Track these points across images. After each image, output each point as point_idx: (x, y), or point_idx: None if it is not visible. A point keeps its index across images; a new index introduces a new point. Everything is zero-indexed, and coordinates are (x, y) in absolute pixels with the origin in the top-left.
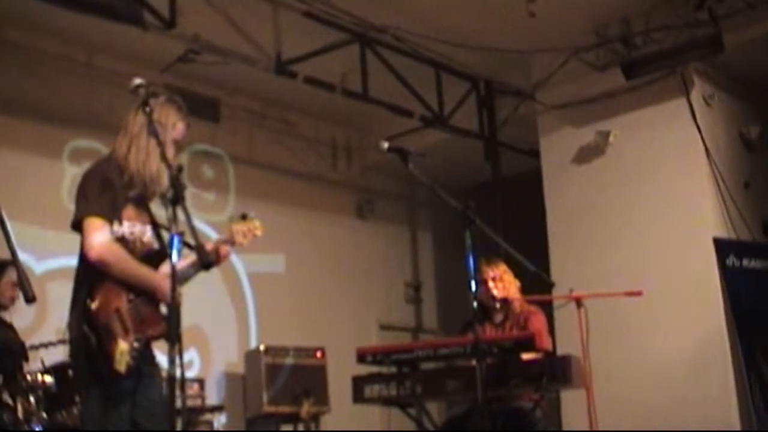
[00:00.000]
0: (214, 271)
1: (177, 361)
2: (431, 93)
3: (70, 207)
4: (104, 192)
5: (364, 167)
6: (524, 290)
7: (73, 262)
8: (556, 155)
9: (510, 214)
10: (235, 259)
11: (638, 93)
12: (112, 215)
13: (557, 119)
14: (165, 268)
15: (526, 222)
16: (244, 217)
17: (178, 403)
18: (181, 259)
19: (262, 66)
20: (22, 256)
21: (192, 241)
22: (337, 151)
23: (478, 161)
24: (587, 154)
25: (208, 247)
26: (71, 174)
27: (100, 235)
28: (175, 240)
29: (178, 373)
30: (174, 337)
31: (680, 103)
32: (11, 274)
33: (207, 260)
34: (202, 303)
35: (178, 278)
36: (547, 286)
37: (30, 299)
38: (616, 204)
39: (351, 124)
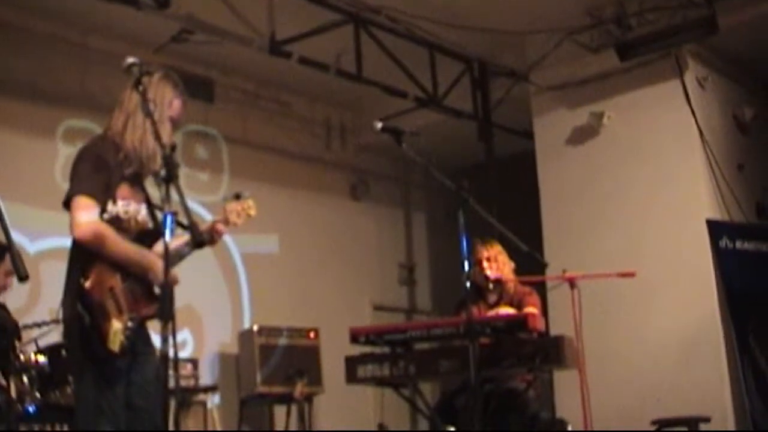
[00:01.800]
0: (208, 252)
1: (170, 340)
2: (425, 74)
3: (64, 187)
4: (97, 171)
5: (359, 148)
6: (518, 271)
7: (66, 242)
8: (550, 136)
9: (503, 196)
10: (229, 240)
11: (632, 74)
12: (104, 195)
13: (551, 100)
14: (159, 247)
15: (520, 203)
16: (237, 197)
17: (172, 383)
18: (174, 238)
19: (257, 46)
20: (16, 236)
21: (185, 220)
22: (331, 131)
23: (472, 142)
24: (581, 136)
25: (203, 227)
26: (65, 154)
27: (86, 215)
28: (168, 219)
29: (171, 352)
30: (167, 317)
31: (674, 85)
32: (8, 263)
33: (200, 239)
34: (195, 283)
35: (172, 257)
36: (541, 267)
37: (23, 278)
38: (609, 185)
39: (345, 105)
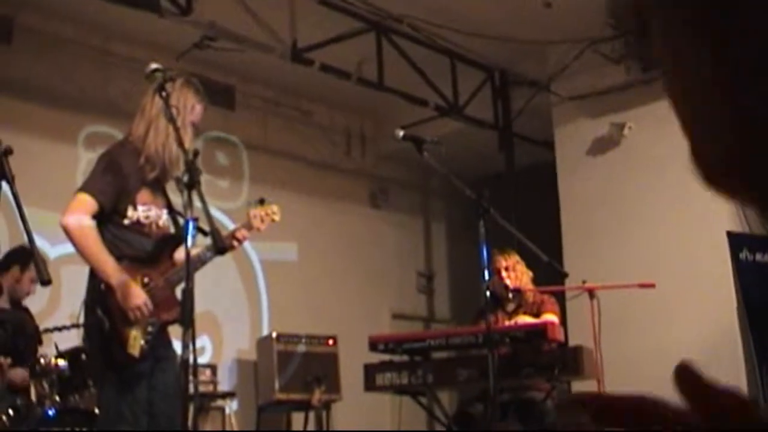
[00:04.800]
0: (228, 258)
1: (190, 346)
2: (446, 83)
3: None
4: (106, 174)
5: (378, 156)
6: (537, 282)
7: None
8: (571, 147)
9: (523, 206)
10: (248, 247)
11: (654, 86)
12: (111, 197)
13: (572, 110)
14: (180, 252)
15: (539, 213)
16: (261, 202)
17: (191, 388)
18: (195, 244)
19: (278, 53)
20: (37, 241)
21: (206, 226)
22: (351, 139)
23: (492, 152)
24: (602, 146)
25: (224, 233)
26: (86, 159)
27: (80, 209)
28: (190, 225)
29: (191, 358)
30: (188, 322)
31: None
32: (33, 269)
33: (221, 245)
34: (214, 289)
35: (193, 263)
36: (560, 277)
37: (45, 282)
38: (629, 196)
39: (365, 113)
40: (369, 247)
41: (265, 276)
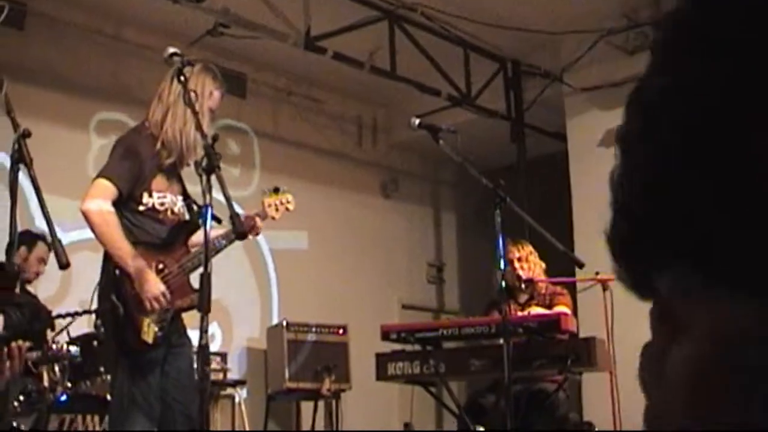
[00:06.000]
0: (238, 247)
1: (205, 332)
2: (459, 73)
3: None
4: (124, 159)
5: (390, 146)
6: (549, 273)
7: None
8: (583, 138)
9: (534, 197)
10: (260, 235)
11: None
12: (129, 183)
13: (585, 102)
14: (196, 238)
15: (550, 205)
16: (276, 191)
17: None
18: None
19: (291, 41)
20: (47, 228)
21: (223, 212)
22: (362, 129)
23: (504, 143)
24: (614, 138)
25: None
26: (98, 146)
27: (101, 195)
28: (208, 211)
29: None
30: (205, 308)
31: None
32: (39, 250)
33: (241, 229)
34: (225, 277)
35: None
36: (572, 268)
37: (64, 265)
38: None
39: (377, 103)
40: (379, 237)
41: (275, 264)
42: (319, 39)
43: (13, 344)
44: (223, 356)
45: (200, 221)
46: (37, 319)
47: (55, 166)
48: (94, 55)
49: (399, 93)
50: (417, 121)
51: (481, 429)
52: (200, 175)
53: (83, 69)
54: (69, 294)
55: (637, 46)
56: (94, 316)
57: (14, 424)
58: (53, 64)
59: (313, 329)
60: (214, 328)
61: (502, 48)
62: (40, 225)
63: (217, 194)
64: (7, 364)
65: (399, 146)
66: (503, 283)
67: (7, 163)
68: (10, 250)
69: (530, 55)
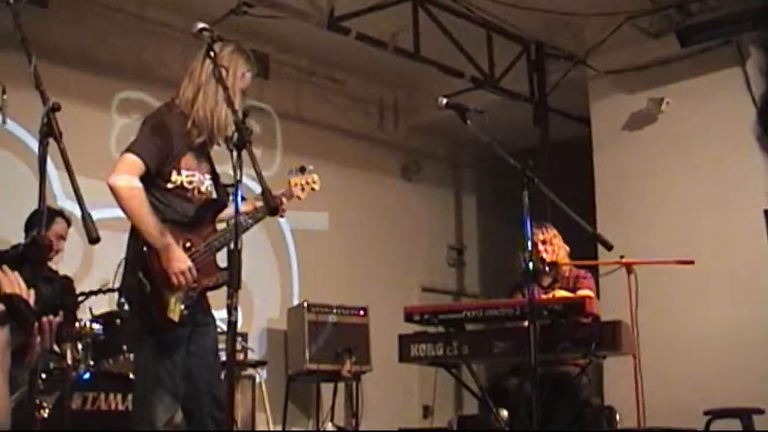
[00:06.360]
0: (259, 227)
1: (234, 309)
2: (482, 55)
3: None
4: (154, 135)
5: (411, 128)
6: (573, 257)
7: (119, 212)
8: (607, 122)
9: (557, 180)
10: (284, 216)
11: (692, 61)
12: (157, 159)
13: (609, 85)
14: (225, 214)
15: (573, 189)
16: (302, 170)
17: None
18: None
19: (315, 21)
20: (70, 206)
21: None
22: (384, 110)
23: (527, 126)
24: (639, 121)
25: (259, 203)
26: (120, 125)
27: (129, 170)
28: (239, 189)
29: (225, 326)
30: (236, 285)
31: (735, 73)
32: (58, 226)
33: (273, 204)
34: (245, 258)
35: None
36: (594, 253)
37: (93, 240)
38: (666, 172)
39: (399, 84)
40: (400, 219)
41: (296, 245)
42: (343, 19)
43: (44, 319)
44: (243, 336)
45: (230, 198)
46: (68, 295)
47: (76, 145)
48: (117, 34)
49: (421, 75)
50: (444, 101)
51: (504, 412)
52: (231, 151)
53: (106, 48)
54: (91, 272)
55: (661, 29)
56: (116, 294)
57: (36, 401)
58: (76, 43)
59: (334, 311)
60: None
61: (525, 30)
62: (61, 203)
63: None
64: (38, 339)
65: (420, 128)
66: (530, 264)
67: (28, 141)
68: (40, 225)
69: (554, 38)
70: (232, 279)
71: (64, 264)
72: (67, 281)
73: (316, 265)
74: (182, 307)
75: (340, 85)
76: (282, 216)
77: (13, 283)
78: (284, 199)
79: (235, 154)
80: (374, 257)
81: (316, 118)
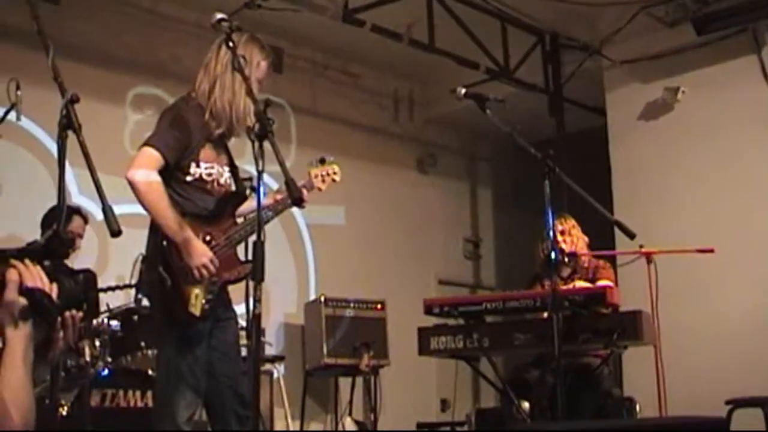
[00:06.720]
0: (275, 221)
1: (258, 302)
2: (497, 46)
3: (132, 153)
4: (172, 128)
5: (426, 121)
6: (592, 248)
7: (135, 208)
8: (623, 111)
9: (573, 171)
10: (296, 210)
11: (708, 49)
12: (176, 152)
13: (624, 75)
14: (243, 208)
15: (589, 180)
16: (322, 162)
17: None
18: (250, 201)
19: (330, 14)
20: (85, 202)
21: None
22: (398, 103)
23: (542, 116)
24: (655, 111)
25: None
26: (133, 120)
27: (147, 164)
28: (261, 181)
29: (246, 321)
30: (259, 278)
31: (751, 61)
32: (75, 224)
33: (298, 194)
34: None
35: (252, 224)
36: (611, 243)
37: (115, 233)
38: (683, 162)
39: (413, 77)
40: (416, 212)
41: (312, 240)
42: (358, 12)
43: (67, 313)
44: (261, 331)
45: (249, 190)
46: (92, 290)
47: (90, 141)
48: (130, 30)
49: (435, 67)
50: (463, 91)
51: (526, 404)
52: (252, 142)
53: (119, 43)
54: (106, 269)
55: (677, 18)
56: (134, 290)
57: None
58: (89, 39)
59: (351, 305)
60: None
61: (540, 20)
62: (76, 200)
63: (253, 167)
64: (61, 333)
65: (435, 121)
66: (552, 254)
67: (42, 138)
68: (60, 219)
69: (569, 28)
70: (256, 271)
71: (79, 261)
72: (90, 275)
73: (332, 259)
74: (203, 301)
75: (355, 79)
76: (304, 206)
77: (35, 277)
78: (305, 191)
79: (256, 144)
80: (390, 251)
81: (330, 111)
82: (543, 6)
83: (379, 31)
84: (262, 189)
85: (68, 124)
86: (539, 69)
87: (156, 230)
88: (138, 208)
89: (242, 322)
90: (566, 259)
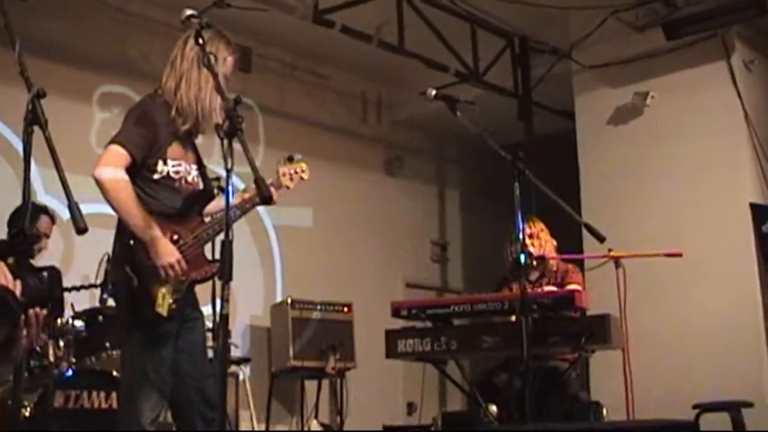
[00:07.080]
0: (241, 223)
1: (226, 301)
2: (466, 49)
3: (99, 152)
4: (139, 125)
5: (395, 122)
6: (559, 250)
7: (101, 207)
8: (592, 116)
9: (542, 175)
10: (263, 211)
11: (678, 55)
12: (143, 150)
13: (594, 79)
14: (210, 207)
15: (558, 183)
16: (290, 160)
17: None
18: (217, 201)
19: (299, 14)
20: (50, 202)
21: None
22: (367, 105)
23: (511, 120)
24: (624, 115)
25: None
26: (100, 119)
27: (114, 161)
28: (231, 180)
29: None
30: (227, 277)
31: (720, 67)
32: (42, 223)
33: (267, 193)
34: None
35: (220, 223)
36: (579, 247)
37: (81, 230)
38: (651, 166)
39: (382, 79)
40: (383, 214)
41: (279, 241)
42: (328, 12)
43: (31, 311)
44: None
45: (217, 190)
46: (57, 288)
47: (57, 139)
48: (98, 28)
49: (404, 69)
50: (434, 92)
51: (494, 407)
52: (221, 139)
53: (87, 41)
54: (71, 269)
55: (646, 23)
56: (99, 290)
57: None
58: (57, 36)
59: (318, 307)
60: (217, 304)
61: (510, 24)
62: (41, 198)
63: (220, 168)
64: (24, 332)
65: (403, 123)
66: (522, 257)
67: (8, 135)
68: (25, 216)
69: (538, 32)
70: (224, 271)
71: (44, 260)
72: (55, 272)
73: (299, 261)
74: (170, 301)
75: (323, 80)
76: (274, 203)
77: None
78: (273, 189)
79: (225, 142)
80: (358, 253)
81: (298, 112)
82: (513, 9)
83: (349, 32)
84: (230, 187)
85: (34, 119)
86: (508, 72)
87: (123, 229)
88: (103, 208)
89: (208, 323)
90: (534, 263)
